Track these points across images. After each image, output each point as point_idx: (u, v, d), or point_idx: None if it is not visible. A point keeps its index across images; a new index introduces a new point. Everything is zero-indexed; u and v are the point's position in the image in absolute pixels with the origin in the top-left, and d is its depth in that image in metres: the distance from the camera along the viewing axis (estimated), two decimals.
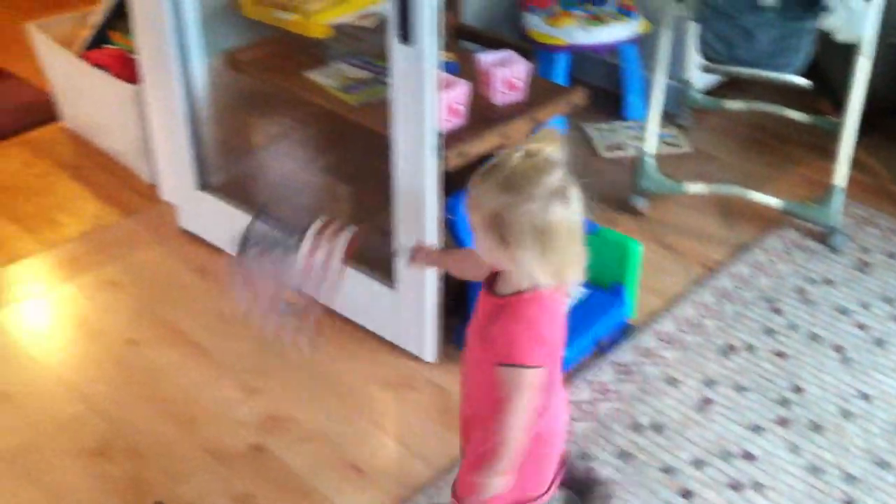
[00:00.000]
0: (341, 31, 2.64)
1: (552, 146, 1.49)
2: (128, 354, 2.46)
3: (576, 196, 1.47)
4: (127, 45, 3.09)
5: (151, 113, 2.80)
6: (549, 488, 1.74)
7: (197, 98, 2.68)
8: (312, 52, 2.68)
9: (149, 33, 2.61)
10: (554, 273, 1.47)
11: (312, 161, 2.86)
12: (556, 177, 1.45)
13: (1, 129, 3.43)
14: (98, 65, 3.09)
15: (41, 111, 3.48)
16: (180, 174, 2.80)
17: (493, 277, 1.58)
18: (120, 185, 3.15)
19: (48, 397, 2.32)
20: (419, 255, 1.88)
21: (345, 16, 2.62)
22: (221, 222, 2.75)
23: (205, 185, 2.79)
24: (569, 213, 1.45)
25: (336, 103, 2.53)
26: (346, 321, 2.54)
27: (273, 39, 2.75)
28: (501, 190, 1.43)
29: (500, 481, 1.55)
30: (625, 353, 2.44)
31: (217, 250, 2.78)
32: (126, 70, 3.00)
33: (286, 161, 2.93)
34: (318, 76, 2.60)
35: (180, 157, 2.76)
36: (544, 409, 1.60)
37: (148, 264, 2.79)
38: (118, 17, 3.17)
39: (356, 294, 2.48)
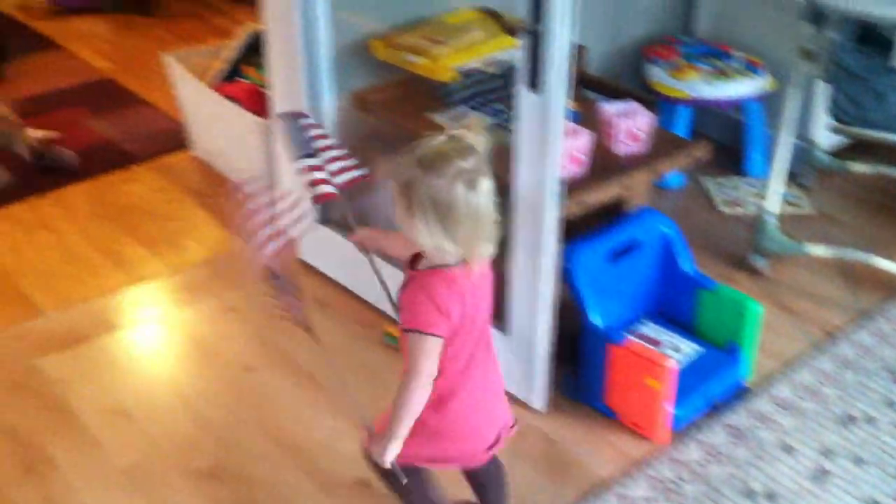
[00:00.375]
0: (466, 75, 2.68)
1: (476, 135, 1.60)
2: (244, 380, 2.53)
3: (485, 185, 1.55)
4: (258, 80, 3.20)
5: (278, 147, 2.89)
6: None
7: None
8: (437, 95, 2.72)
9: (282, 70, 2.70)
10: (455, 251, 1.57)
11: None
12: (470, 162, 1.54)
13: (134, 153, 3.59)
14: (230, 97, 3.20)
15: (173, 138, 3.63)
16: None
17: (416, 256, 1.69)
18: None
19: (166, 417, 2.40)
20: (361, 233, 1.92)
21: (471, 61, 2.66)
22: (339, 256, 2.81)
23: (325, 220, 2.85)
24: (472, 197, 1.54)
25: None
26: None
27: (399, 81, 2.81)
28: (417, 164, 1.55)
29: (394, 445, 1.68)
30: (738, 416, 2.39)
31: (334, 283, 2.84)
32: (256, 103, 3.11)
33: None
34: (442, 119, 2.64)
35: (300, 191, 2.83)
36: (460, 386, 1.70)
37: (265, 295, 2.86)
38: (252, 53, 3.30)
39: None
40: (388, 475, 1.82)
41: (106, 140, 3.67)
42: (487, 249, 1.61)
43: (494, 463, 1.96)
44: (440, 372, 1.66)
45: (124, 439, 2.33)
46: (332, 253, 2.84)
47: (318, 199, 1.92)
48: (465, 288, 1.63)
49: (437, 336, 1.61)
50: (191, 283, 2.92)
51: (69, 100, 4.00)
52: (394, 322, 2.67)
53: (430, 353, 1.63)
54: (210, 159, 3.52)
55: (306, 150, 1.94)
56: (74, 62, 4.36)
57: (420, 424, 1.70)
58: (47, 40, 4.57)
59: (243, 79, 3.31)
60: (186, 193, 3.38)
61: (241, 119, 3.14)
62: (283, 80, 2.72)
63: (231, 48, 3.37)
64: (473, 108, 2.68)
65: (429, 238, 1.56)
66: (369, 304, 2.77)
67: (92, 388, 2.49)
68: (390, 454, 1.70)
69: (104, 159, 3.54)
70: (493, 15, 2.80)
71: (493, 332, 2.40)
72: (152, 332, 2.73)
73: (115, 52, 4.47)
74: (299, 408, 2.42)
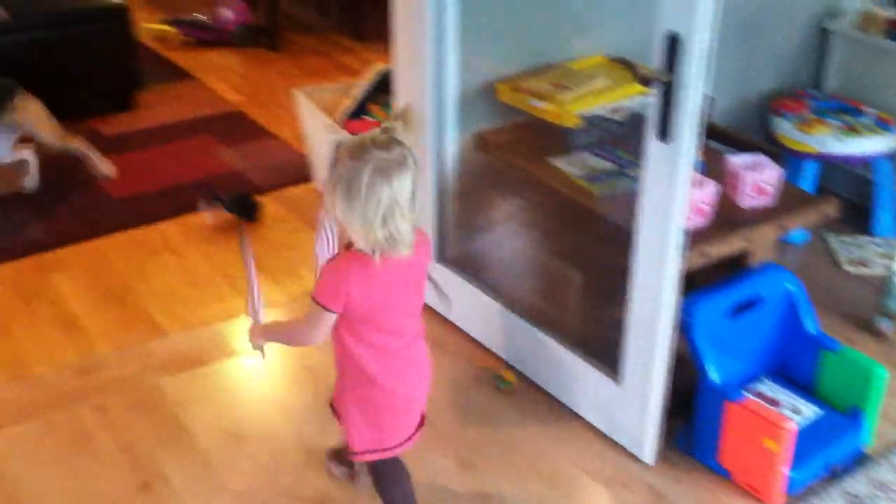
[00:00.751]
0: (590, 121, 2.69)
1: (406, 130, 1.78)
2: None
3: (399, 177, 1.69)
4: (384, 119, 3.27)
5: None
6: (396, 447, 1.98)
7: (445, 173, 2.79)
8: (559, 139, 2.74)
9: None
10: (360, 233, 1.73)
11: (545, 244, 2.91)
12: (391, 154, 1.70)
13: (258, 183, 3.70)
14: (354, 133, 3.28)
15: (296, 171, 3.73)
16: None
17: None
18: None
19: (277, 443, 2.44)
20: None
21: (596, 107, 2.66)
22: (454, 295, 2.83)
23: (441, 258, 2.88)
24: (382, 184, 1.68)
25: (577, 192, 2.57)
26: (563, 406, 2.54)
27: (521, 124, 2.83)
28: (347, 148, 1.73)
29: (263, 339, 2.04)
30: (858, 484, 2.29)
31: (447, 322, 2.86)
32: None
33: (520, 241, 2.99)
34: (562, 163, 2.65)
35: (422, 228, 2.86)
36: (385, 367, 1.88)
37: None
38: (379, 91, 3.37)
39: (578, 381, 2.48)
40: (374, 473, 2.06)
41: (232, 169, 3.80)
42: (394, 243, 1.73)
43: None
44: (362, 351, 1.86)
45: (237, 462, 2.38)
46: (447, 292, 2.85)
47: None
48: (377, 280, 1.78)
49: (328, 310, 1.80)
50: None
51: (199, 129, 4.16)
52: (507, 365, 2.68)
53: (314, 321, 1.84)
54: None
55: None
56: (206, 93, 4.53)
57: (363, 401, 1.92)
58: (182, 71, 4.77)
59: (369, 116, 3.38)
60: (306, 224, 3.46)
61: None
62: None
63: (360, 86, 3.45)
64: (595, 154, 2.68)
65: (335, 211, 1.73)
66: (482, 346, 2.78)
67: (209, 410, 2.56)
68: (257, 340, 2.04)
69: (229, 189, 3.66)
70: (622, 63, 2.80)
71: (606, 381, 2.39)
72: (271, 357, 2.78)
73: (244, 84, 4.63)
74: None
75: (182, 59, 4.89)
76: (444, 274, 2.84)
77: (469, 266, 2.84)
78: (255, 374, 2.73)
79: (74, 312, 2.94)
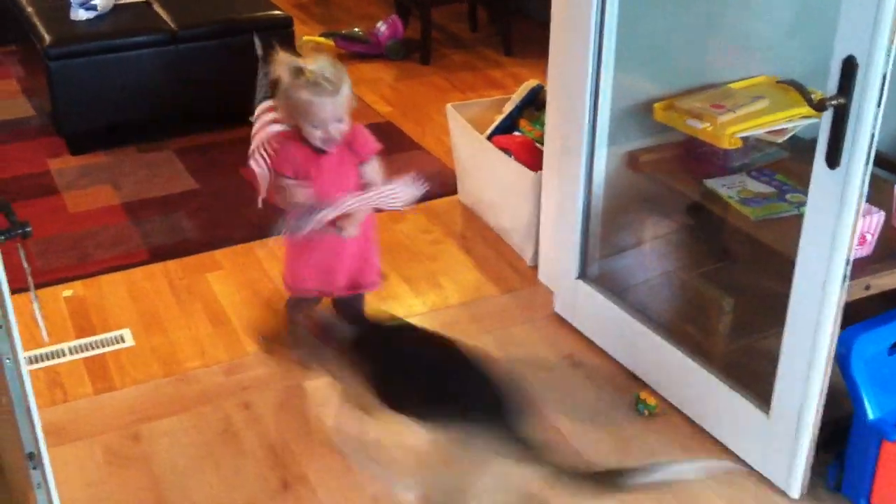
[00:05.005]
0: (748, 143, 2.61)
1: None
2: None
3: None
4: (533, 134, 3.27)
5: (546, 200, 2.93)
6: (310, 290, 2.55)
7: (593, 191, 2.76)
8: (715, 161, 2.67)
9: (561, 126, 2.74)
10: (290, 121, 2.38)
11: (694, 266, 2.84)
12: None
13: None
14: (503, 148, 3.29)
15: (442, 183, 3.77)
16: (562, 261, 2.89)
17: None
18: (502, 262, 3.32)
19: (412, 453, 2.44)
20: None
21: (755, 129, 2.58)
22: (595, 313, 2.79)
23: (583, 275, 2.85)
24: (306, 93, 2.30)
25: (733, 215, 2.50)
26: (707, 434, 2.47)
27: (675, 144, 2.78)
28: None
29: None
30: None
31: (588, 341, 2.83)
32: (529, 157, 3.17)
33: (666, 262, 2.93)
34: (717, 185, 2.58)
35: (566, 245, 2.85)
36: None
37: (519, 342, 2.90)
38: (530, 107, 3.37)
39: (724, 410, 2.40)
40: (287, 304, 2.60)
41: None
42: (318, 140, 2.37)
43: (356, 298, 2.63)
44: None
45: (374, 468, 2.41)
46: (588, 310, 2.83)
47: None
48: (295, 155, 2.38)
49: (282, 174, 2.38)
50: (447, 323, 2.99)
51: None
52: (649, 389, 2.63)
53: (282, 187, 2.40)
54: (476, 207, 3.61)
55: None
56: (358, 104, 4.63)
57: (296, 249, 2.49)
58: None
59: (518, 132, 3.38)
60: (450, 237, 3.49)
61: (511, 170, 3.21)
62: (560, 135, 2.76)
63: (511, 102, 3.46)
64: (753, 176, 2.60)
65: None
66: (624, 368, 2.73)
67: (349, 415, 2.60)
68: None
69: None
70: (791, 85, 2.71)
71: (755, 412, 2.31)
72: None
73: (395, 96, 4.71)
74: None
75: None
76: (586, 292, 2.81)
77: (613, 285, 2.80)
78: None
79: (226, 312, 3.04)
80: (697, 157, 2.73)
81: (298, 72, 2.30)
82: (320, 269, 2.52)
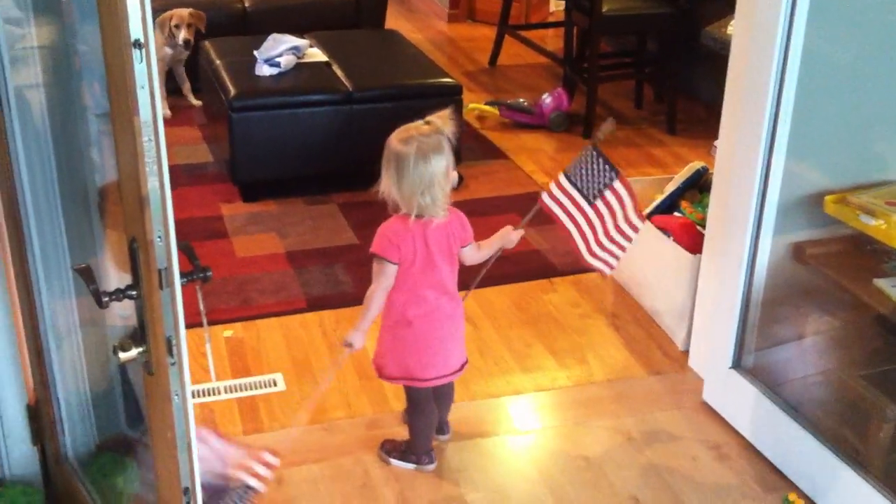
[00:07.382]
0: None
1: (446, 124, 2.29)
2: None
3: (436, 160, 2.26)
4: (694, 217, 3.23)
5: (704, 284, 2.87)
6: (425, 381, 2.49)
7: (754, 280, 2.69)
8: (885, 260, 2.56)
9: (725, 211, 2.70)
10: (404, 201, 2.30)
11: (856, 368, 2.71)
12: (429, 140, 2.26)
13: (557, 266, 3.76)
14: (662, 228, 3.25)
15: None
16: (716, 349, 2.82)
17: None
18: (651, 344, 3.26)
19: None
20: None
21: None
22: (747, 406, 2.71)
23: (737, 365, 2.77)
24: (422, 163, 2.25)
25: None
26: None
27: (844, 238, 2.68)
28: (397, 135, 2.30)
29: (358, 335, 2.44)
30: None
31: (737, 433, 2.74)
32: (687, 239, 3.12)
33: (827, 360, 2.82)
34: (887, 285, 2.48)
35: (721, 332, 2.78)
36: (403, 304, 2.40)
37: (664, 427, 2.83)
38: (693, 189, 3.33)
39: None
40: (407, 399, 2.60)
41: (535, 250, 3.89)
42: (431, 208, 2.31)
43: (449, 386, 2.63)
44: (404, 298, 2.40)
45: None
46: (740, 402, 2.74)
47: None
48: (412, 234, 2.32)
49: (384, 259, 2.35)
50: (590, 400, 2.97)
51: (506, 206, 4.30)
52: (798, 491, 2.51)
53: (378, 272, 2.38)
54: (628, 284, 3.58)
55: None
56: (517, 173, 4.69)
57: (398, 339, 2.45)
58: (497, 150, 4.97)
59: (679, 213, 3.35)
60: (599, 312, 3.46)
61: (669, 251, 3.17)
62: (723, 220, 2.72)
63: (673, 182, 3.44)
64: None
65: (386, 186, 2.30)
66: (772, 464, 2.63)
67: (483, 481, 2.60)
68: (357, 340, 2.43)
69: (529, 268, 3.75)
70: None
71: None
72: (546, 439, 2.81)
73: (555, 167, 4.74)
74: None
75: (498, 138, 5.10)
76: (738, 383, 2.73)
77: (768, 378, 2.71)
78: (531, 454, 2.74)
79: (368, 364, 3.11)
80: (868, 254, 2.63)
81: None
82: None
